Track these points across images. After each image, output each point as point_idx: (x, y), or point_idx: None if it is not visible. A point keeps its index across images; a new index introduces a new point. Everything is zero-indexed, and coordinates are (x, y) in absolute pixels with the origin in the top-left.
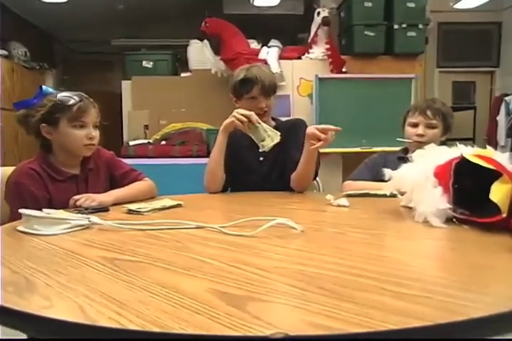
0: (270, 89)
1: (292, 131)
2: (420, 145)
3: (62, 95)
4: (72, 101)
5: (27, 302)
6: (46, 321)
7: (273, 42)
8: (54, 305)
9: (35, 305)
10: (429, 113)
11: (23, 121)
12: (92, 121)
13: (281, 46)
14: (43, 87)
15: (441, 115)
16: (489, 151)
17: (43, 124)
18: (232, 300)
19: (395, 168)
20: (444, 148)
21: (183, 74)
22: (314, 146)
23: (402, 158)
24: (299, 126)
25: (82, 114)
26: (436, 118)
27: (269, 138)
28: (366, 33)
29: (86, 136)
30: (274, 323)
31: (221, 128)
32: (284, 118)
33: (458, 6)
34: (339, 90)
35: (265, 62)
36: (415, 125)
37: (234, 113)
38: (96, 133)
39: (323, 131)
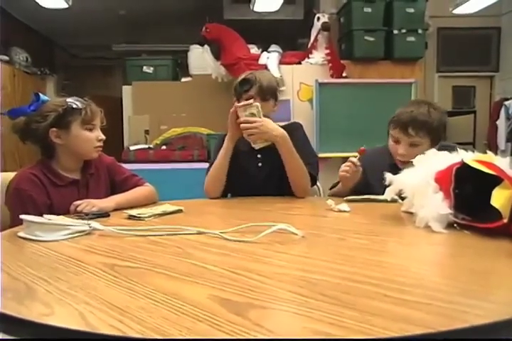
0: (268, 91)
1: (289, 135)
2: (405, 164)
3: (71, 99)
4: (83, 105)
5: (27, 309)
6: (46, 328)
7: (273, 47)
8: (54, 312)
9: (35, 312)
10: (410, 131)
11: (23, 129)
12: (99, 123)
13: (281, 51)
14: (40, 94)
15: (425, 129)
16: (490, 156)
17: (53, 129)
18: (233, 307)
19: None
20: (444, 153)
21: (183, 79)
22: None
23: (394, 165)
24: (295, 129)
25: (92, 116)
26: (419, 134)
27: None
28: (366, 38)
29: (96, 138)
30: (275, 331)
31: (228, 134)
32: (281, 123)
33: (457, 11)
34: (339, 95)
35: (265, 67)
36: (397, 141)
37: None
38: (103, 136)
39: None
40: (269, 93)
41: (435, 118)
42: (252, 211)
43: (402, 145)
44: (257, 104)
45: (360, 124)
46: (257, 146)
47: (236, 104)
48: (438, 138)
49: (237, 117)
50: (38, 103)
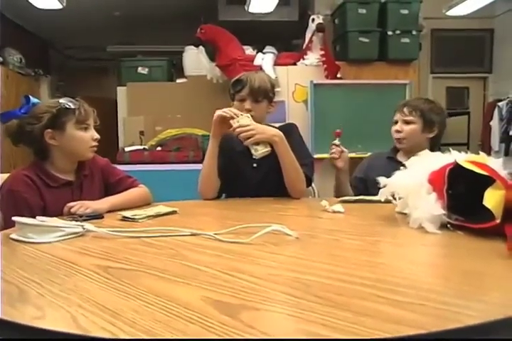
0: (259, 92)
1: (284, 136)
2: (400, 141)
3: (63, 100)
4: (76, 105)
5: (19, 312)
6: (38, 332)
7: (268, 48)
8: (46, 316)
9: (27, 316)
10: (405, 110)
11: (17, 132)
12: (92, 123)
13: (276, 52)
14: (30, 97)
15: (418, 111)
16: (483, 157)
17: (48, 130)
18: (226, 308)
19: (385, 168)
20: (438, 154)
21: (178, 81)
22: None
23: (392, 157)
24: (290, 130)
25: (86, 116)
26: (412, 114)
27: (263, 144)
28: (360, 39)
29: (91, 137)
30: (268, 332)
31: (211, 133)
32: (276, 124)
33: (450, 13)
34: (334, 96)
35: (260, 68)
36: (396, 122)
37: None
38: (98, 135)
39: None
40: (262, 94)
41: (429, 105)
42: (247, 212)
43: (398, 124)
44: (248, 115)
45: (355, 125)
46: (257, 155)
47: (218, 111)
48: (429, 123)
49: (223, 120)
50: (28, 106)
